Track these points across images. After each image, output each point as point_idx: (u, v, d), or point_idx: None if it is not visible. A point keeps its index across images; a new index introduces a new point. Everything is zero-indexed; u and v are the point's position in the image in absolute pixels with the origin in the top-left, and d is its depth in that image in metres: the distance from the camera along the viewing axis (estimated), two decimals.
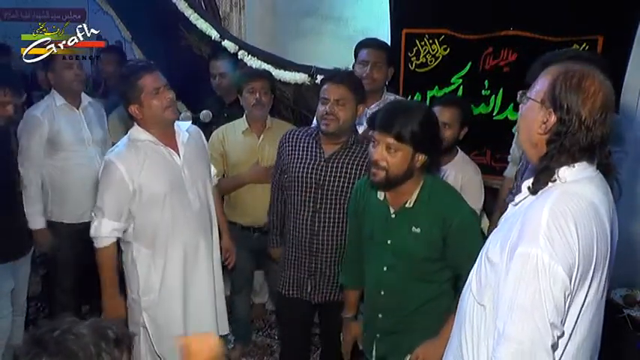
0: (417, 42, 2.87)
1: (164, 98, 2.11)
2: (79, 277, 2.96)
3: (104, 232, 2.14)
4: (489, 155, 2.83)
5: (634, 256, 2.74)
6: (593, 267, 1.22)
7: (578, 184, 1.24)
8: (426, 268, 1.86)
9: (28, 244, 2.71)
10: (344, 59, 2.72)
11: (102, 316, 2.21)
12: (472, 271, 1.43)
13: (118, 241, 2.21)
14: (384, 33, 2.98)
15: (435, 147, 1.83)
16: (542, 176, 1.26)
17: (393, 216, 1.86)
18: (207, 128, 2.80)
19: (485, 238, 1.83)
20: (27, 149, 2.72)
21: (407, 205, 1.83)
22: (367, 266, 1.98)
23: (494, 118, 2.77)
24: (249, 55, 3.23)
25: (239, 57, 3.25)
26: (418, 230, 1.81)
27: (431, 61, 2.88)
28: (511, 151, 2.48)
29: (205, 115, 3.03)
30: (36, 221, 2.76)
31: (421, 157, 1.77)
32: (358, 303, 2.20)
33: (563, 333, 1.21)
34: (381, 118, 1.77)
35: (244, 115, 2.83)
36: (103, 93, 3.83)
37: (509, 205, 1.40)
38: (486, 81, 2.76)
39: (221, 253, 2.48)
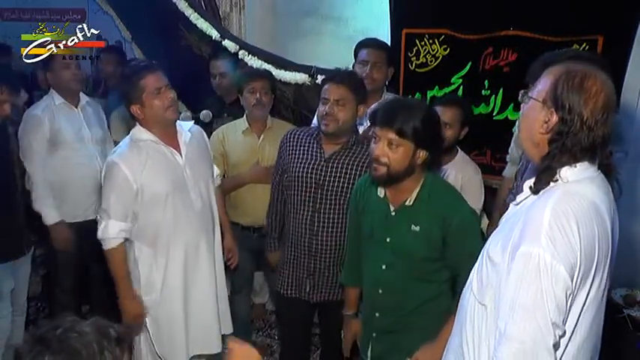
0: (417, 42, 2.87)
1: (165, 98, 2.12)
2: (79, 277, 2.95)
3: (111, 233, 2.14)
4: (489, 155, 2.82)
5: (634, 256, 2.74)
6: (594, 266, 1.22)
7: (579, 184, 1.24)
8: (424, 268, 1.85)
9: (28, 243, 2.70)
10: (344, 59, 2.72)
11: (122, 319, 2.15)
12: (473, 270, 1.43)
13: None
14: (384, 33, 2.97)
15: (436, 144, 1.83)
16: (544, 176, 1.26)
17: (393, 214, 1.86)
18: (207, 128, 2.80)
19: (485, 237, 1.84)
20: (29, 148, 2.71)
21: (407, 203, 1.83)
22: (366, 265, 1.98)
23: (494, 118, 2.77)
24: (250, 55, 3.23)
25: (239, 57, 3.25)
26: (417, 228, 1.81)
27: (431, 61, 2.87)
28: (509, 151, 2.48)
29: (205, 115, 3.03)
30: (50, 216, 2.74)
31: (422, 154, 1.77)
32: (359, 301, 2.19)
33: (564, 332, 1.21)
34: (382, 113, 1.77)
35: (244, 115, 2.83)
36: (103, 93, 3.82)
37: (511, 205, 1.40)
38: (486, 81, 2.75)
39: (223, 253, 2.47)
